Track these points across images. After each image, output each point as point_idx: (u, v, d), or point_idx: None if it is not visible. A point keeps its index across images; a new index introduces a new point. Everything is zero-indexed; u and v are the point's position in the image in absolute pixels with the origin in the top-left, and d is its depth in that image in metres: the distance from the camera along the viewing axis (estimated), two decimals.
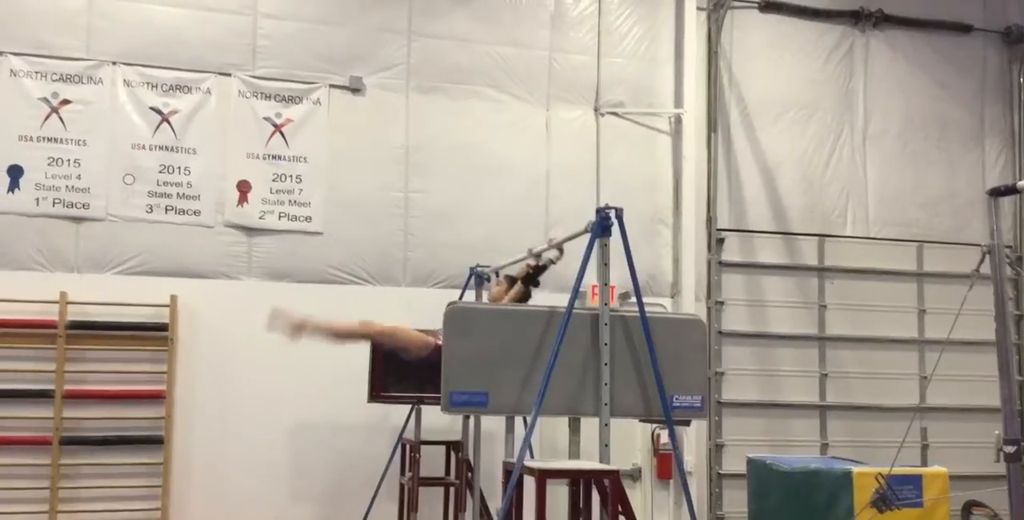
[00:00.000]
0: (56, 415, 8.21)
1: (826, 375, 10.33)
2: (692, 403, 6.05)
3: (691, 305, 9.73)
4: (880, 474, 6.15)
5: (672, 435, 6.08)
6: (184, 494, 8.50)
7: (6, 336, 8.20)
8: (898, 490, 6.20)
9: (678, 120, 10.11)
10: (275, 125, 9.11)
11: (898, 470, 6.38)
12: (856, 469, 6.71)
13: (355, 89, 9.33)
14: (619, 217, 5.75)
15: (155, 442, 8.40)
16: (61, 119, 8.62)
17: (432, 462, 8.25)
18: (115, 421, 8.35)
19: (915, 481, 6.64)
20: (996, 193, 5.28)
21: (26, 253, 8.42)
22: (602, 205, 5.90)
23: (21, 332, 8.24)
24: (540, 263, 7.26)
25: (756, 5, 10.48)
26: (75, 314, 8.35)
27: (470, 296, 8.55)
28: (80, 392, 8.30)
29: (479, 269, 8.50)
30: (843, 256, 10.53)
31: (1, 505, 8.03)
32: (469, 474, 7.97)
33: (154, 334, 8.51)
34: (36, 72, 8.57)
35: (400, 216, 9.35)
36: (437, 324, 6.13)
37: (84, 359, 8.39)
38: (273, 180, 9.06)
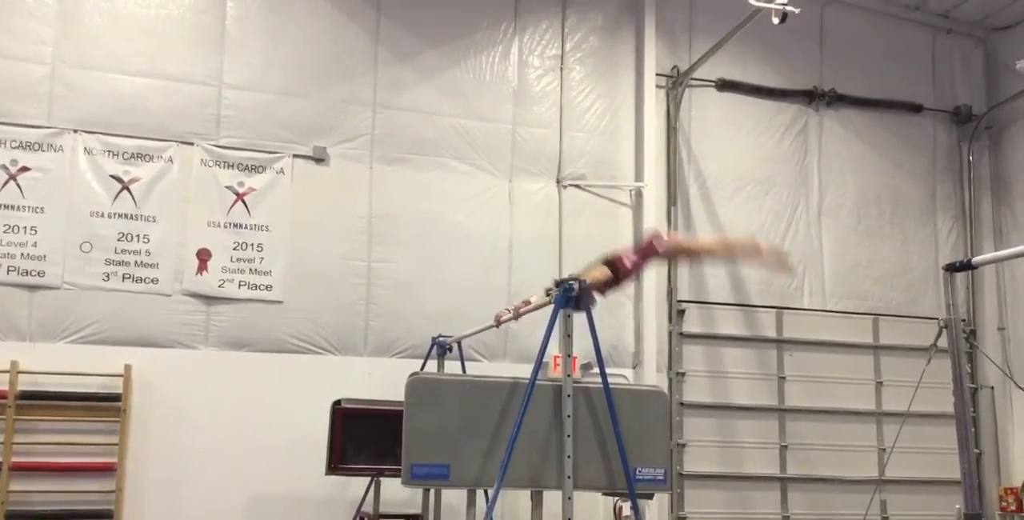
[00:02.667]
0: (2, 488, 7.93)
1: (786, 447, 10.33)
2: (655, 476, 6.00)
3: (653, 376, 9.74)
4: None
5: (635, 508, 6.01)
6: None
7: None
8: None
9: (639, 193, 10.28)
10: (237, 194, 9.11)
11: None
12: None
13: (319, 159, 9.38)
14: (583, 288, 5.78)
15: (105, 516, 8.13)
16: (19, 186, 8.55)
17: None
18: (64, 494, 8.08)
19: None
20: (952, 269, 5.39)
21: None
22: (564, 276, 5.93)
23: None
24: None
25: (713, 84, 10.78)
26: (26, 384, 8.15)
27: (432, 366, 8.48)
28: (28, 464, 8.05)
29: (441, 339, 8.46)
30: (801, 328, 10.65)
31: None
32: None
33: (107, 404, 8.32)
34: None
35: (362, 285, 9.32)
36: (398, 395, 6.06)
37: (34, 430, 8.16)
38: (234, 248, 9.01)
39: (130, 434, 8.35)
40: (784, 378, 10.48)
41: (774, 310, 10.63)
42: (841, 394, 10.55)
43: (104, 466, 8.21)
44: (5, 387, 8.07)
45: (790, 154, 11.03)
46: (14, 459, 8.00)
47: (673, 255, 6.62)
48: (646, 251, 6.41)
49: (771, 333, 10.58)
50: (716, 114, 10.81)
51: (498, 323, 6.84)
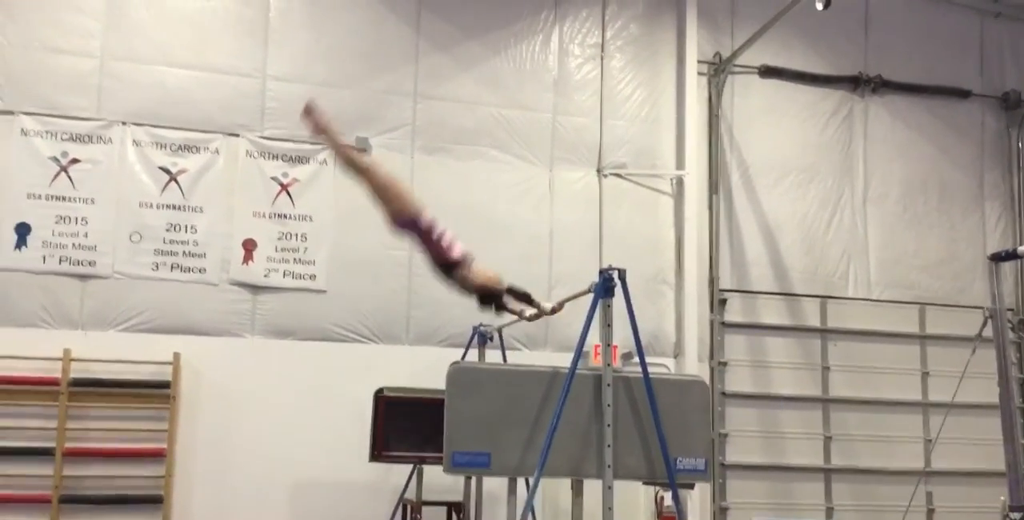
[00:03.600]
0: (56, 473, 8.14)
1: (830, 437, 10.25)
2: (696, 465, 6.01)
3: (694, 366, 9.71)
4: None
5: (676, 498, 6.02)
6: None
7: (9, 393, 8.18)
8: None
9: (680, 182, 10.23)
10: (281, 184, 9.22)
11: None
12: None
13: (361, 149, 9.44)
14: (622, 278, 5.79)
15: (155, 501, 8.32)
16: (70, 178, 8.73)
17: None
18: (115, 480, 8.28)
19: None
20: (997, 258, 5.33)
21: (31, 310, 8.45)
22: (605, 265, 5.94)
23: (24, 389, 8.22)
24: (539, 312, 6.40)
25: (756, 70, 10.67)
26: (78, 371, 8.34)
27: (473, 355, 8.54)
28: (81, 450, 8.25)
29: (482, 328, 8.51)
30: (845, 318, 10.54)
31: None
32: None
33: (156, 391, 8.49)
34: (47, 131, 8.70)
35: (404, 275, 9.40)
36: (440, 383, 6.12)
37: (86, 417, 8.36)
38: (278, 239, 9.13)
39: (179, 420, 8.52)
40: (828, 368, 10.39)
41: (818, 299, 10.53)
42: (886, 384, 10.44)
43: (154, 452, 8.39)
44: (58, 375, 8.27)
45: (835, 141, 10.90)
46: (67, 445, 8.20)
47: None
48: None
49: (815, 322, 10.48)
50: (759, 101, 10.70)
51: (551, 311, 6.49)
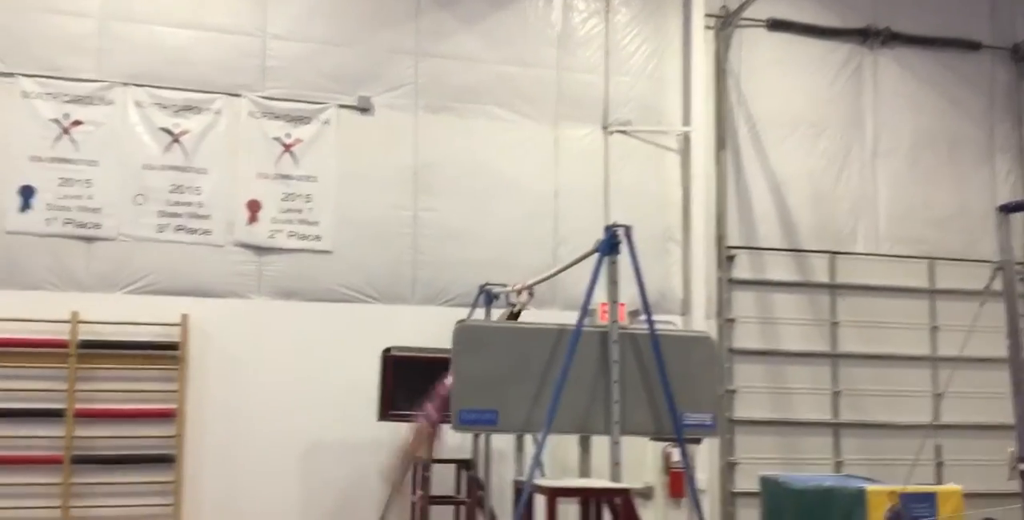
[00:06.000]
0: (67, 434, 8.22)
1: (839, 393, 10.27)
2: (703, 421, 6.03)
3: (701, 322, 9.71)
4: (895, 492, 6.10)
5: (684, 453, 6.06)
6: (196, 512, 8.48)
7: (18, 355, 8.23)
8: (912, 508, 6.16)
9: (687, 138, 10.13)
10: (284, 145, 9.16)
11: (912, 488, 6.33)
12: (870, 487, 6.66)
13: (364, 109, 9.38)
14: (628, 235, 5.76)
15: (166, 461, 8.40)
16: (72, 140, 8.68)
17: (442, 480, 8.21)
18: (126, 440, 8.34)
19: (930, 499, 6.59)
20: (1006, 209, 5.27)
21: (38, 273, 8.46)
22: (611, 223, 5.90)
23: (33, 351, 8.26)
24: (515, 311, 7.37)
25: (764, 23, 10.51)
26: (86, 333, 8.37)
27: (479, 314, 8.54)
28: (91, 411, 8.31)
29: (488, 287, 8.50)
30: (854, 273, 10.50)
31: None
32: (479, 492, 7.95)
33: (165, 353, 8.53)
34: (47, 93, 8.64)
35: (409, 235, 9.37)
36: (446, 342, 6.12)
37: (95, 378, 8.40)
38: (283, 199, 9.10)
39: (188, 381, 8.56)
40: (837, 324, 10.38)
41: (827, 255, 10.48)
42: (895, 339, 10.42)
43: (164, 412, 8.45)
44: (67, 337, 8.31)
45: (843, 95, 10.77)
46: (78, 406, 8.27)
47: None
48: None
49: (824, 278, 10.45)
50: (766, 55, 10.56)
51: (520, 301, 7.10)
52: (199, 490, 8.51)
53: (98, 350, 8.38)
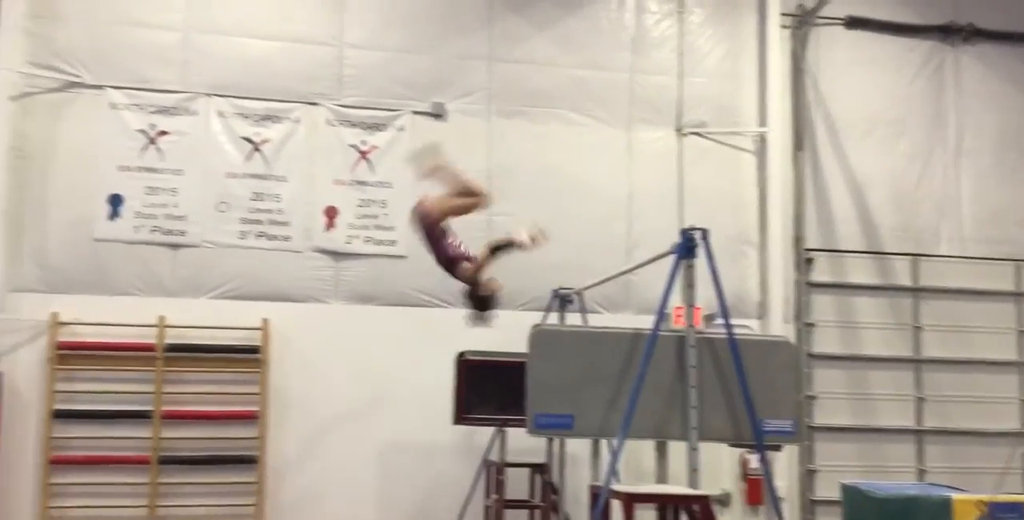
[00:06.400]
0: (155, 435, 8.46)
1: (922, 399, 10.02)
2: (783, 427, 5.95)
3: (779, 326, 9.57)
4: (982, 501, 5.93)
5: (764, 460, 5.98)
6: (277, 512, 8.67)
7: (108, 359, 8.51)
8: (1001, 518, 5.97)
9: (762, 139, 10.01)
10: (361, 152, 9.31)
11: (1002, 497, 6.14)
12: (956, 496, 6.47)
13: (437, 115, 9.47)
14: (705, 238, 5.71)
15: (249, 461, 8.60)
16: (158, 149, 8.94)
17: (517, 484, 8.24)
18: (210, 441, 8.57)
19: (1019, 509, 6.35)
20: None
21: (126, 279, 8.74)
22: (686, 226, 5.86)
23: (122, 355, 8.54)
24: (501, 245, 6.24)
25: (841, 21, 10.33)
26: (172, 337, 8.62)
27: (554, 318, 8.55)
28: (177, 413, 8.55)
29: (562, 291, 8.50)
30: (938, 276, 10.23)
31: None
32: (554, 497, 7.95)
33: (247, 356, 8.73)
34: (135, 105, 8.91)
35: (483, 239, 9.38)
36: (521, 347, 6.15)
37: (181, 381, 8.65)
38: (359, 205, 9.24)
39: (269, 384, 8.75)
40: (920, 328, 10.13)
41: (909, 257, 10.24)
42: (981, 344, 10.13)
43: (247, 414, 8.65)
44: (154, 340, 8.56)
45: (925, 93, 10.51)
46: (164, 408, 8.51)
47: (439, 218, 6.18)
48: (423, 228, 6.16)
49: (906, 281, 10.21)
50: (845, 53, 10.37)
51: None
52: (280, 490, 8.69)
53: (183, 353, 8.62)
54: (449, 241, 6.16)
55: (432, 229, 6.13)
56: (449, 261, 6.09)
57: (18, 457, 8.26)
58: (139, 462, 8.41)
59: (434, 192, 6.33)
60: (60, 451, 8.30)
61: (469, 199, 6.14)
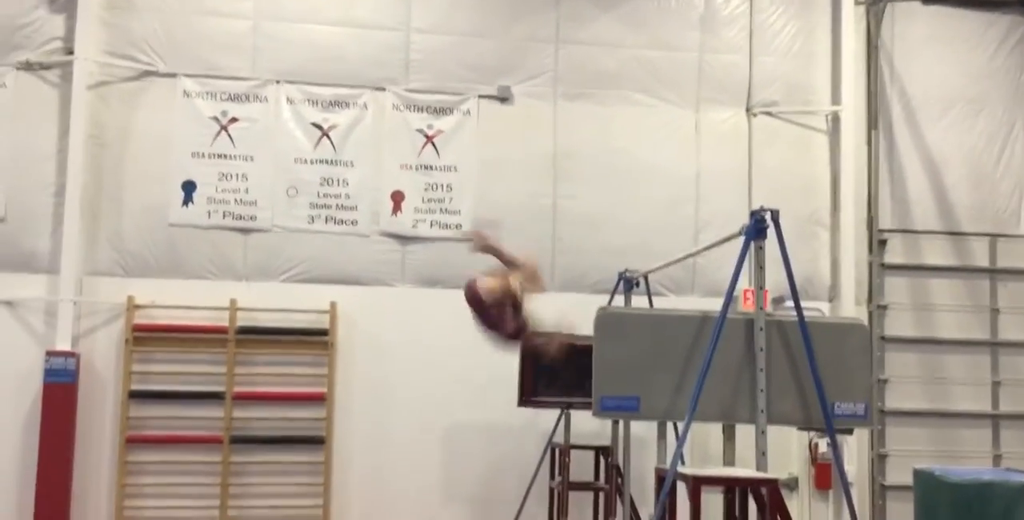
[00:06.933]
0: (226, 415, 8.66)
1: (999, 383, 9.76)
2: (855, 411, 5.84)
3: (850, 309, 9.40)
4: None
5: (834, 444, 5.88)
6: (344, 492, 8.82)
7: (182, 341, 8.72)
8: None
9: (835, 118, 9.79)
10: (427, 136, 9.35)
11: None
12: None
13: (503, 98, 9.47)
14: (775, 219, 5.62)
15: (317, 442, 8.75)
16: (230, 136, 9.10)
17: (582, 467, 8.25)
18: (280, 421, 8.74)
19: None
20: None
21: (199, 263, 8.93)
22: (755, 207, 5.77)
23: (195, 337, 8.74)
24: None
25: None
26: (244, 320, 8.80)
27: (619, 301, 8.51)
28: (248, 394, 8.73)
29: (628, 274, 8.45)
30: (1016, 256, 9.94)
31: (177, 499, 8.55)
32: (619, 479, 7.94)
33: (315, 339, 8.87)
34: (207, 92, 9.08)
35: (549, 222, 9.42)
36: (587, 329, 6.13)
37: (252, 362, 8.82)
38: (425, 190, 9.29)
39: (337, 366, 8.88)
40: (998, 310, 9.86)
41: (987, 237, 9.96)
42: None
43: (315, 396, 8.80)
44: (226, 323, 8.75)
45: (1005, 70, 10.16)
46: (236, 389, 8.70)
47: (492, 301, 5.77)
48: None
49: (983, 262, 9.94)
50: (921, 29, 10.07)
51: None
52: (347, 470, 8.83)
53: (254, 336, 8.79)
54: (506, 317, 5.78)
55: (485, 312, 5.80)
56: (512, 337, 5.83)
57: (96, 436, 8.54)
58: (211, 441, 8.62)
59: (488, 272, 6.08)
60: (136, 430, 8.55)
61: (521, 283, 5.84)
